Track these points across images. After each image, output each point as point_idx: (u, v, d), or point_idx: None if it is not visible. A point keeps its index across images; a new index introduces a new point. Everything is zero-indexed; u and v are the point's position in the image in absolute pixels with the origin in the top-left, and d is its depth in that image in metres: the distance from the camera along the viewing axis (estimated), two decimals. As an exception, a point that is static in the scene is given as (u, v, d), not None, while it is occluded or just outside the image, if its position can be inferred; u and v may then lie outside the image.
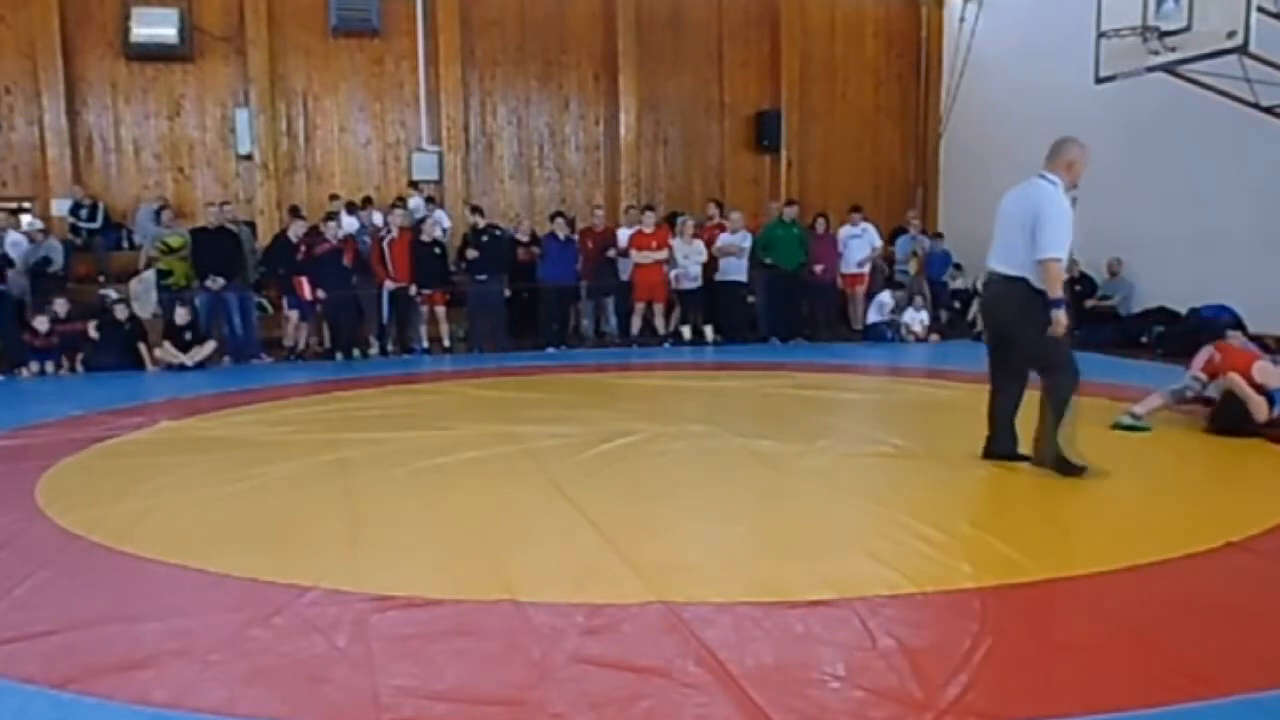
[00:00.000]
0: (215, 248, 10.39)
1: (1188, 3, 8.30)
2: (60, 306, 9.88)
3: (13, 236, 10.64)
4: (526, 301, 11.61)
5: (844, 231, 12.42)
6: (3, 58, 12.20)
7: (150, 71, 12.73)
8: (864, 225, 12.42)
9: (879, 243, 12.60)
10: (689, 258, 11.64)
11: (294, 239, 10.61)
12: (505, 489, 4.85)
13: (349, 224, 11.38)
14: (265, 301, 11.41)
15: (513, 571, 3.52)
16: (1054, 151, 4.92)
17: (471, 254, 11.15)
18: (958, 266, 13.19)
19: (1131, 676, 2.68)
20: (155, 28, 12.22)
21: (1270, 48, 8.08)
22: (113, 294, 10.79)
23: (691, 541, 4.02)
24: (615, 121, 14.08)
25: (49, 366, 9.63)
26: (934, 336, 12.06)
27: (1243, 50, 7.91)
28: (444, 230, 11.74)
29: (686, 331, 11.90)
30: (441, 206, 12.97)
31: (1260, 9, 7.85)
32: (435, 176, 13.50)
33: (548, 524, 4.22)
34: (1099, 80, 9.33)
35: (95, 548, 3.91)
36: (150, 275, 10.87)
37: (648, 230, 11.61)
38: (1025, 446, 5.15)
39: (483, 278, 11.20)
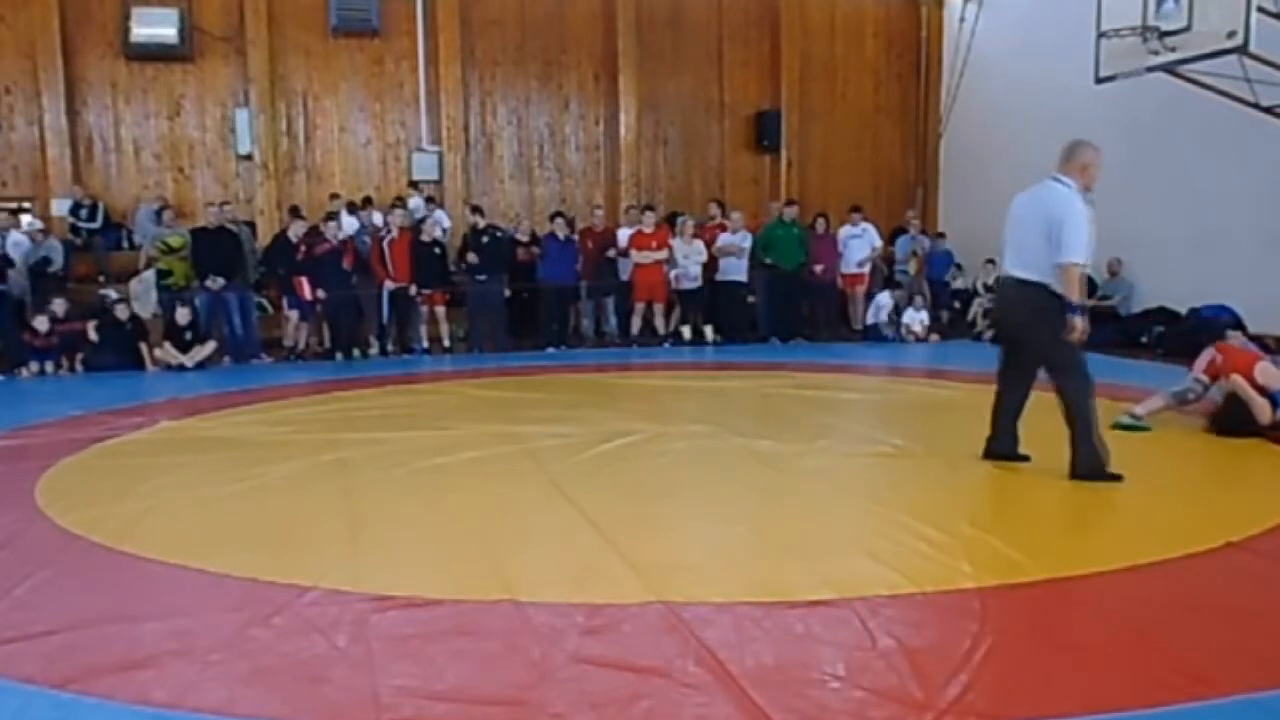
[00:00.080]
0: (215, 248, 10.39)
1: (1188, 3, 8.30)
2: (59, 306, 9.87)
3: (14, 237, 10.64)
4: (526, 301, 11.61)
5: (844, 231, 12.42)
6: (3, 58, 12.20)
7: (150, 71, 12.73)
8: (864, 225, 12.42)
9: (879, 243, 12.60)
10: (689, 258, 11.64)
11: (294, 239, 10.61)
12: (505, 489, 4.85)
13: (349, 224, 11.38)
14: (265, 301, 11.41)
15: (513, 571, 3.52)
16: (1067, 154, 4.84)
17: (472, 258, 11.14)
18: (958, 266, 13.20)
19: (1131, 676, 2.68)
20: (155, 28, 12.22)
21: (1270, 48, 8.08)
22: (113, 294, 10.79)
23: (691, 541, 4.02)
24: (615, 121, 14.08)
25: (49, 366, 9.63)
26: (934, 336, 12.06)
27: (1243, 50, 7.91)
28: (444, 230, 11.74)
29: (686, 331, 11.90)
30: (441, 206, 12.97)
31: (1260, 9, 7.85)
32: (435, 176, 13.50)
33: (548, 524, 4.22)
34: (1099, 80, 9.33)
35: (95, 548, 3.90)
36: (150, 275, 10.87)
37: (648, 230, 11.61)
38: (1026, 447, 5.15)
39: (483, 278, 11.20)
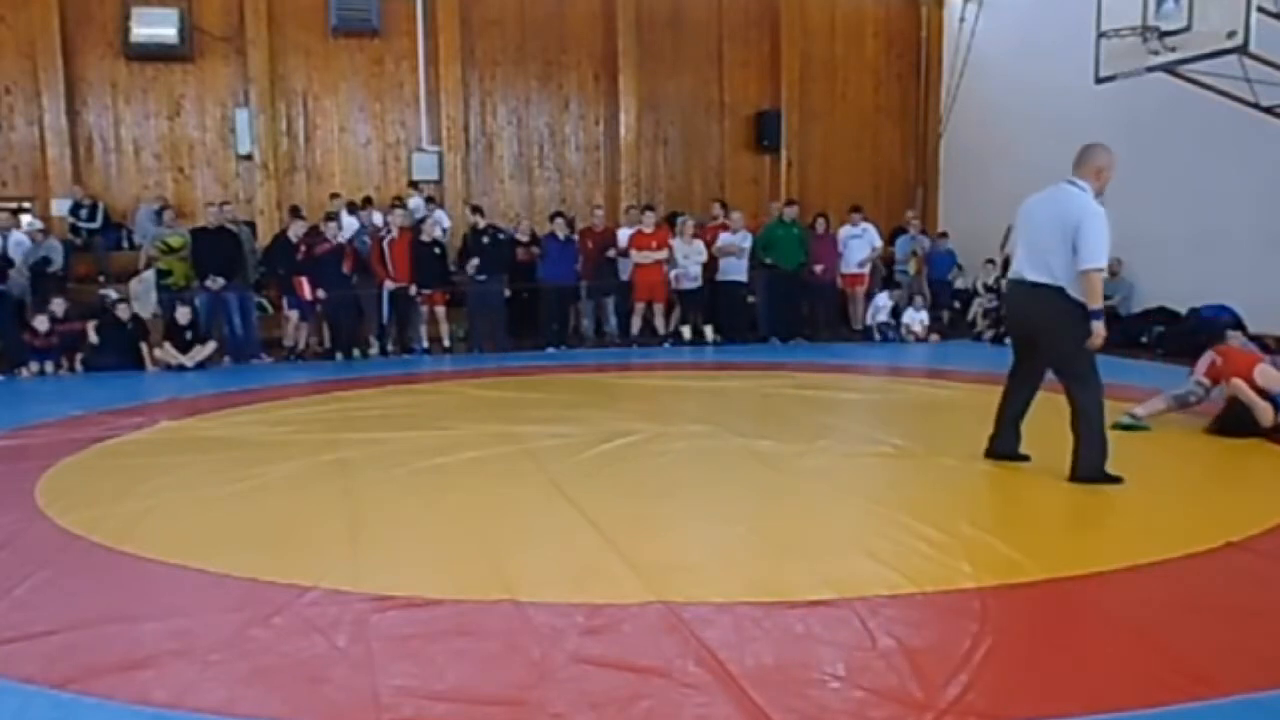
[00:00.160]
0: (215, 248, 10.39)
1: (1188, 3, 8.30)
2: (58, 306, 9.87)
3: (16, 236, 10.65)
4: (526, 301, 11.61)
5: (844, 231, 12.42)
6: (3, 58, 12.20)
7: (150, 71, 12.73)
8: (864, 225, 12.42)
9: (879, 243, 12.60)
10: (689, 258, 11.64)
11: (294, 239, 10.61)
12: (505, 489, 4.85)
13: (349, 224, 11.38)
14: (265, 301, 11.41)
15: (513, 571, 3.52)
16: (1082, 158, 4.80)
17: (474, 263, 11.13)
18: (959, 266, 13.20)
19: (1131, 676, 2.68)
20: (155, 28, 12.21)
21: (1270, 48, 8.08)
22: (113, 294, 10.79)
23: (691, 541, 4.02)
24: (615, 121, 14.08)
25: (49, 366, 9.63)
26: (934, 336, 12.07)
27: (1243, 50, 7.91)
28: (444, 230, 11.74)
29: (686, 331, 11.90)
30: (441, 206, 12.97)
31: (1260, 9, 7.85)
32: (435, 176, 13.50)
33: (548, 524, 4.22)
34: (1099, 80, 9.33)
35: (95, 548, 3.90)
36: (150, 275, 10.88)
37: (648, 230, 11.61)
38: (1026, 447, 5.15)
39: (483, 278, 11.20)
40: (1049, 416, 5.08)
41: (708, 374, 9.41)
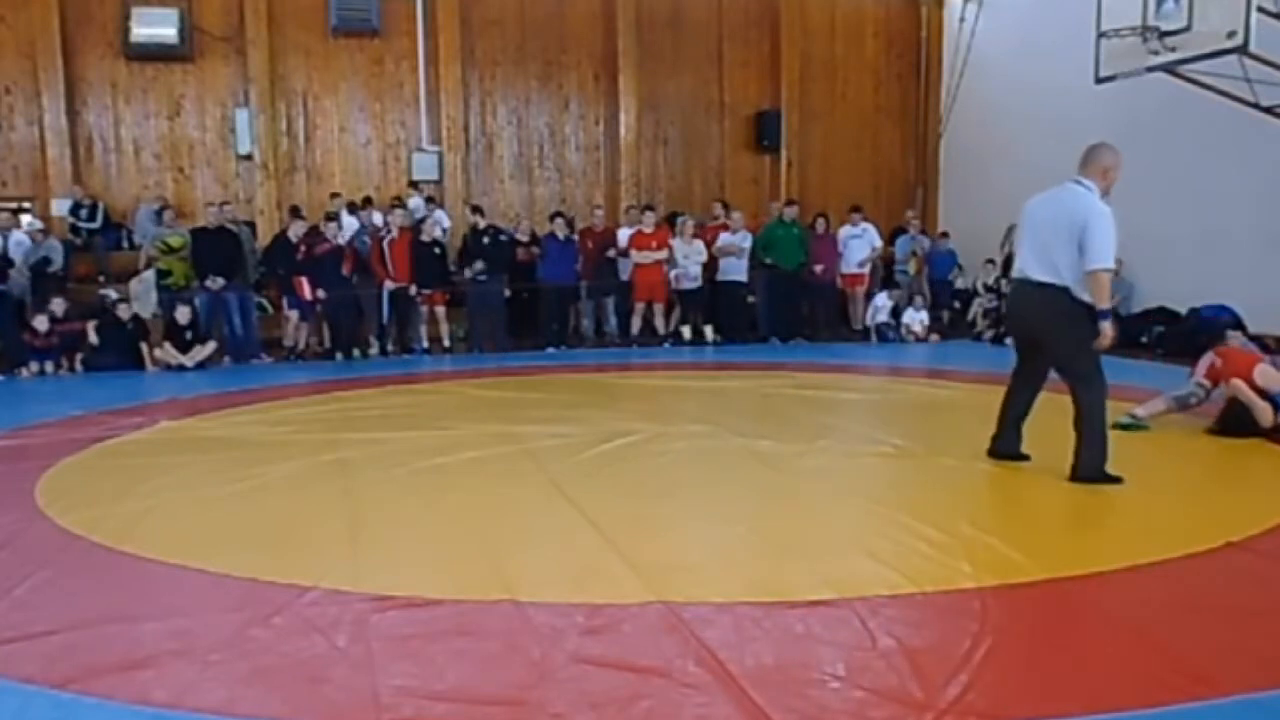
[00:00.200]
0: (215, 248, 10.40)
1: (1188, 3, 8.30)
2: (58, 306, 9.87)
3: (17, 236, 10.65)
4: (526, 301, 11.61)
5: (844, 231, 12.42)
6: (3, 58, 12.20)
7: (150, 71, 12.73)
8: (864, 225, 12.42)
9: (879, 243, 12.60)
10: (689, 258, 11.64)
11: (294, 239, 10.61)
12: (505, 489, 4.85)
13: (349, 224, 11.38)
14: (265, 301, 11.41)
15: (513, 571, 3.52)
16: (1088, 157, 4.78)
17: (478, 266, 11.11)
18: (959, 266, 13.19)
19: (1131, 676, 2.68)
20: (155, 28, 12.21)
21: (1270, 48, 8.08)
22: (113, 294, 10.79)
23: (691, 541, 4.02)
24: (615, 121, 14.08)
25: (49, 366, 9.63)
26: (934, 336, 12.07)
27: (1243, 50, 7.91)
28: (444, 230, 11.74)
29: (686, 331, 11.90)
30: (441, 206, 12.97)
31: (1260, 9, 7.84)
32: (435, 176, 13.50)
33: (548, 524, 4.22)
34: (1099, 80, 9.33)
35: (95, 548, 3.90)
36: (150, 275, 10.88)
37: (648, 230, 11.61)
38: (1026, 447, 5.15)
39: (483, 278, 11.20)
40: (1050, 416, 5.09)
41: (708, 374, 9.41)
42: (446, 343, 11.29)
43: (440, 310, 11.22)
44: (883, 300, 12.21)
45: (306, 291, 10.45)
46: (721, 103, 14.60)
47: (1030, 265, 4.82)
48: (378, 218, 11.56)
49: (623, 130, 14.00)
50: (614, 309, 12.17)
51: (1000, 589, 3.34)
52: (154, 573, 3.63)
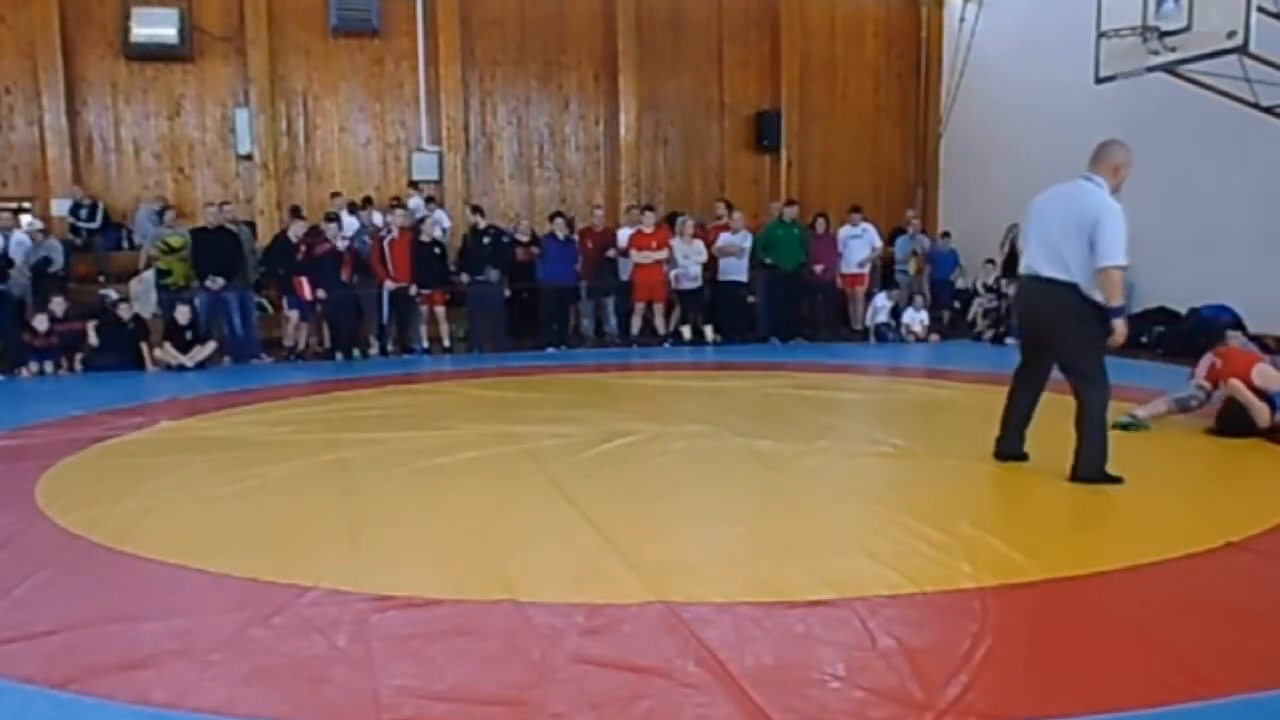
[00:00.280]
0: (215, 248, 10.40)
1: (1188, 3, 8.30)
2: (58, 306, 9.87)
3: (17, 236, 10.65)
4: (526, 301, 11.62)
5: (844, 231, 12.43)
6: (3, 58, 12.20)
7: (150, 71, 12.73)
8: (864, 225, 12.43)
9: (879, 243, 12.61)
10: (689, 258, 11.65)
11: (294, 239, 10.61)
12: (505, 489, 4.85)
13: (350, 224, 11.38)
14: (265, 301, 11.41)
15: (513, 571, 3.52)
16: (1099, 154, 4.75)
17: (494, 274, 11.09)
18: (960, 266, 13.19)
19: (1131, 676, 2.68)
20: (155, 28, 12.22)
21: (1270, 48, 8.08)
22: (113, 294, 10.80)
23: (691, 541, 4.02)
24: (615, 121, 14.08)
25: (49, 366, 9.64)
26: (934, 336, 12.07)
27: (1243, 50, 7.91)
28: (444, 230, 11.75)
29: (686, 331, 11.90)
30: (441, 206, 12.97)
31: (1260, 9, 7.85)
32: (435, 176, 13.50)
33: (548, 524, 4.22)
34: (1099, 80, 9.33)
35: (95, 548, 3.90)
36: (150, 275, 10.88)
37: (648, 230, 11.62)
38: (1028, 446, 5.15)
39: (483, 278, 11.20)
40: (1050, 416, 5.08)
41: (708, 374, 9.41)
42: (446, 343, 11.29)
43: (440, 310, 11.22)
44: (882, 300, 12.21)
45: (306, 291, 10.46)
46: (721, 103, 14.60)
47: (1039, 261, 4.79)
48: (378, 218, 11.57)
49: (623, 130, 14.00)
50: (614, 309, 12.17)
51: (1000, 589, 3.34)
52: (154, 573, 3.63)
